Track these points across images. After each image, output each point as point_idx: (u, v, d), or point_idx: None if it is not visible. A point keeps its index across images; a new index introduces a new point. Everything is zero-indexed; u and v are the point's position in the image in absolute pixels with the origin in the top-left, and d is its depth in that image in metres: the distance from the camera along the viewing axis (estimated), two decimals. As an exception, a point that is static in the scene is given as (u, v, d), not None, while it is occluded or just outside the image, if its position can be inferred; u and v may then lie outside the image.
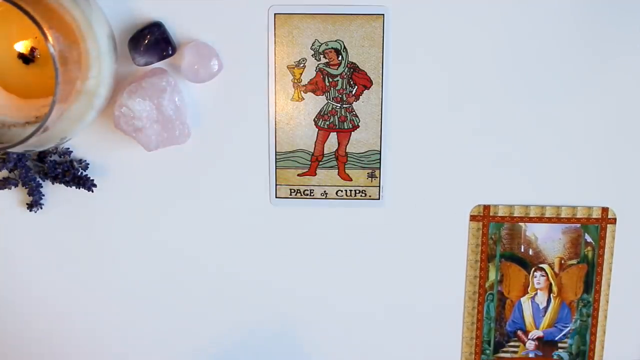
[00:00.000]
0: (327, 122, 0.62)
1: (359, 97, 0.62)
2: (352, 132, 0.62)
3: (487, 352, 0.66)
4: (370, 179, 0.63)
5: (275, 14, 0.60)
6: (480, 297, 0.65)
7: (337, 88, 0.62)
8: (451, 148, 0.63)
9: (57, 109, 0.50)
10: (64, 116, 0.52)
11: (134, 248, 0.66)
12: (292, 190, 0.64)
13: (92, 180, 0.63)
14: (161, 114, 0.59)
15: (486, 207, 0.63)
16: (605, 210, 0.63)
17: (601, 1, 0.60)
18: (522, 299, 0.65)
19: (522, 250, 0.64)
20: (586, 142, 0.62)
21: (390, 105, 0.62)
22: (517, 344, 0.66)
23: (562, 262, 0.64)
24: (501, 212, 0.63)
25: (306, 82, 0.62)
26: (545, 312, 0.65)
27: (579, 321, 0.65)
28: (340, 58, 0.61)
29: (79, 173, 0.63)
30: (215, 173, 0.64)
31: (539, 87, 0.62)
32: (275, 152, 0.63)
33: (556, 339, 0.65)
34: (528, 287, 0.65)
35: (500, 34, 0.60)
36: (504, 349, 0.66)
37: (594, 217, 0.63)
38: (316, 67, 0.61)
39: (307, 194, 0.64)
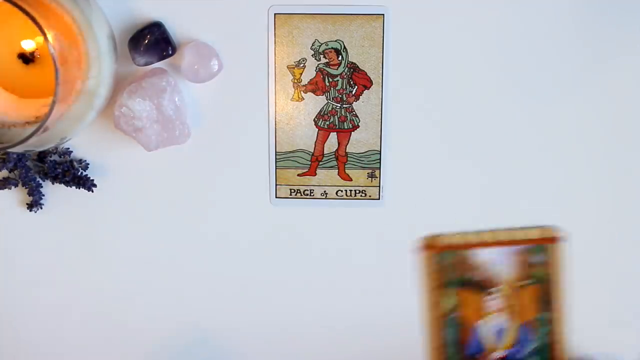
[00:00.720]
0: (327, 122, 0.62)
1: (359, 97, 0.62)
2: (352, 132, 0.62)
3: None
4: (370, 179, 0.63)
5: (275, 14, 0.60)
6: (440, 324, 0.65)
7: (337, 88, 0.62)
8: (452, 148, 0.63)
9: (57, 109, 0.50)
10: (64, 116, 0.52)
11: (134, 248, 0.66)
12: (292, 190, 0.64)
13: (92, 180, 0.63)
14: (161, 114, 0.59)
15: (436, 237, 0.64)
16: (551, 229, 0.64)
17: (599, 1, 0.60)
18: (479, 322, 0.65)
19: (474, 275, 0.64)
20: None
21: (390, 105, 0.62)
22: None
23: (515, 283, 0.65)
24: (451, 240, 0.64)
25: (306, 82, 0.62)
26: (504, 334, 0.65)
27: (539, 341, 0.65)
28: (340, 58, 0.61)
29: (79, 173, 0.63)
30: (215, 173, 0.64)
31: (541, 86, 0.62)
32: (275, 152, 0.63)
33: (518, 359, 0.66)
34: (484, 310, 0.65)
35: (500, 33, 0.60)
36: None
37: (542, 237, 0.64)
38: (316, 67, 0.61)
39: (307, 194, 0.64)
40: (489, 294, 0.64)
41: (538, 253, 0.64)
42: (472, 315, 0.65)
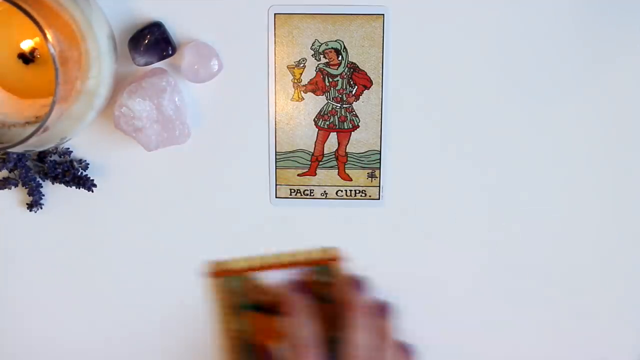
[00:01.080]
0: (327, 122, 0.62)
1: (359, 97, 0.62)
2: (352, 132, 0.62)
3: None
4: (370, 179, 0.63)
5: (275, 14, 0.60)
6: (234, 348, 0.66)
7: (337, 88, 0.62)
8: (452, 148, 0.63)
9: (57, 109, 0.50)
10: (64, 116, 0.52)
11: (134, 248, 0.66)
12: (292, 190, 0.64)
13: (92, 180, 0.63)
14: (161, 114, 0.59)
15: (220, 263, 0.64)
16: (334, 250, 0.64)
17: (600, 1, 0.60)
18: (273, 345, 0.65)
19: (262, 298, 0.65)
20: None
21: (390, 105, 0.62)
22: None
23: None
24: (234, 266, 0.64)
25: (306, 82, 0.62)
26: None
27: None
28: (340, 58, 0.61)
29: (79, 173, 0.63)
30: (215, 173, 0.64)
31: (541, 86, 0.62)
32: (275, 152, 0.63)
33: None
34: (276, 332, 0.64)
35: (500, 33, 0.60)
36: None
37: (324, 257, 0.64)
38: (316, 67, 0.61)
39: (307, 194, 0.64)
40: (280, 315, 0.63)
41: (322, 274, 0.64)
42: (265, 338, 0.65)
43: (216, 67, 0.60)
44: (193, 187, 0.64)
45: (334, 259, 0.64)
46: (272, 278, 0.65)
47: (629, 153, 0.63)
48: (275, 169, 0.63)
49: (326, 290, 0.64)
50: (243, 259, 0.64)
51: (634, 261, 0.65)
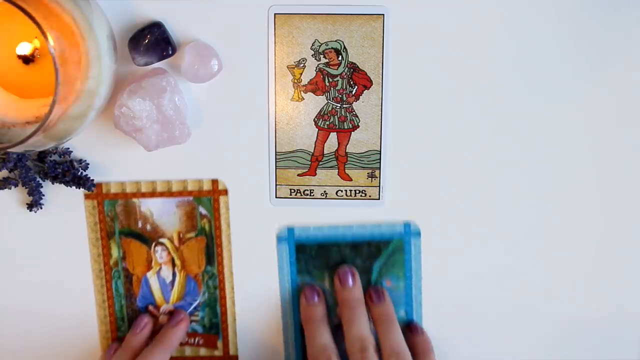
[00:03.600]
0: (327, 122, 0.62)
1: (359, 97, 0.62)
2: (352, 132, 0.62)
3: (122, 329, 0.66)
4: (370, 179, 0.63)
5: (275, 14, 0.60)
6: (107, 275, 0.65)
7: (337, 88, 0.62)
8: (451, 148, 0.63)
9: (57, 109, 0.50)
10: (64, 116, 0.52)
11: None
12: (292, 190, 0.64)
13: (92, 180, 0.63)
14: (161, 114, 0.59)
15: (98, 185, 0.63)
16: (215, 182, 0.63)
17: (603, 1, 0.60)
18: (147, 274, 0.65)
19: (140, 226, 0.64)
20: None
21: (390, 105, 0.62)
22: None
23: (181, 235, 0.64)
24: (114, 189, 0.64)
25: (306, 82, 0.62)
26: (172, 286, 0.65)
27: (207, 294, 0.65)
28: (340, 58, 0.61)
29: (79, 173, 0.63)
30: (215, 173, 0.64)
31: (540, 87, 0.62)
32: (276, 152, 0.63)
33: (188, 312, 0.66)
34: (152, 262, 0.65)
35: (501, 33, 0.61)
36: None
37: (205, 189, 0.63)
38: (316, 67, 0.61)
39: (307, 194, 0.64)
40: (157, 245, 0.64)
41: (205, 205, 0.64)
42: (139, 266, 0.65)
43: (216, 67, 0.60)
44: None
45: (218, 192, 0.63)
46: (153, 205, 0.64)
47: (632, 153, 0.63)
48: (275, 169, 0.63)
49: (204, 222, 0.64)
50: (126, 182, 0.63)
51: (635, 260, 0.65)
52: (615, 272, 0.65)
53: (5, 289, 0.67)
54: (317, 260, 0.64)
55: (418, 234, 0.63)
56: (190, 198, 0.64)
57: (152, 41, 0.59)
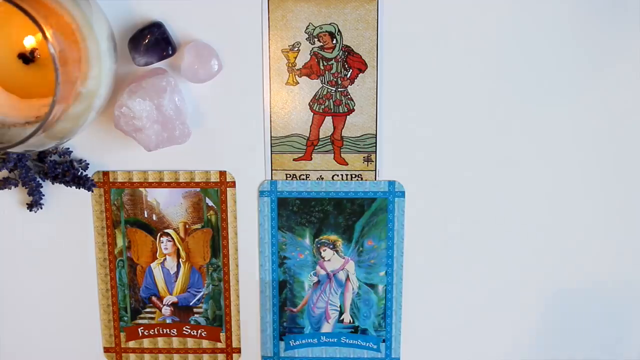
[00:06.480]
0: (322, 106, 0.62)
1: (354, 81, 0.61)
2: (348, 116, 0.62)
3: (125, 318, 0.66)
4: (366, 162, 0.63)
5: (268, -2, 0.60)
6: (111, 264, 0.65)
7: (331, 71, 0.61)
8: (447, 131, 0.63)
9: (57, 109, 0.50)
10: (64, 116, 0.52)
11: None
12: (288, 175, 0.63)
13: (92, 180, 0.63)
14: (161, 114, 0.59)
15: (105, 174, 0.63)
16: (223, 173, 0.63)
17: (597, 6, 0.60)
18: (152, 264, 0.65)
19: (146, 215, 0.64)
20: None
21: (386, 88, 0.62)
22: (153, 309, 0.66)
23: (187, 226, 0.64)
24: (120, 178, 0.63)
25: (301, 66, 0.61)
26: (177, 277, 0.65)
27: (211, 286, 0.65)
28: (334, 41, 0.61)
29: (79, 173, 0.63)
30: (216, 166, 0.63)
31: (535, 75, 0.62)
32: (271, 136, 0.62)
33: (191, 304, 0.66)
34: (156, 252, 0.65)
35: (497, 14, 0.60)
36: (141, 315, 0.66)
37: (212, 181, 0.63)
38: (310, 51, 0.61)
39: (303, 179, 0.64)
40: (162, 235, 0.64)
41: (211, 197, 0.63)
42: (144, 257, 0.65)
43: (216, 67, 0.60)
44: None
45: (225, 184, 0.63)
46: (160, 195, 0.64)
47: (624, 157, 0.63)
48: (271, 153, 0.63)
49: (211, 214, 0.63)
50: (128, 172, 0.63)
51: (631, 262, 0.65)
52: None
53: (5, 289, 0.67)
54: (298, 217, 0.64)
55: (402, 193, 0.63)
56: (198, 189, 0.63)
57: (152, 41, 0.59)
